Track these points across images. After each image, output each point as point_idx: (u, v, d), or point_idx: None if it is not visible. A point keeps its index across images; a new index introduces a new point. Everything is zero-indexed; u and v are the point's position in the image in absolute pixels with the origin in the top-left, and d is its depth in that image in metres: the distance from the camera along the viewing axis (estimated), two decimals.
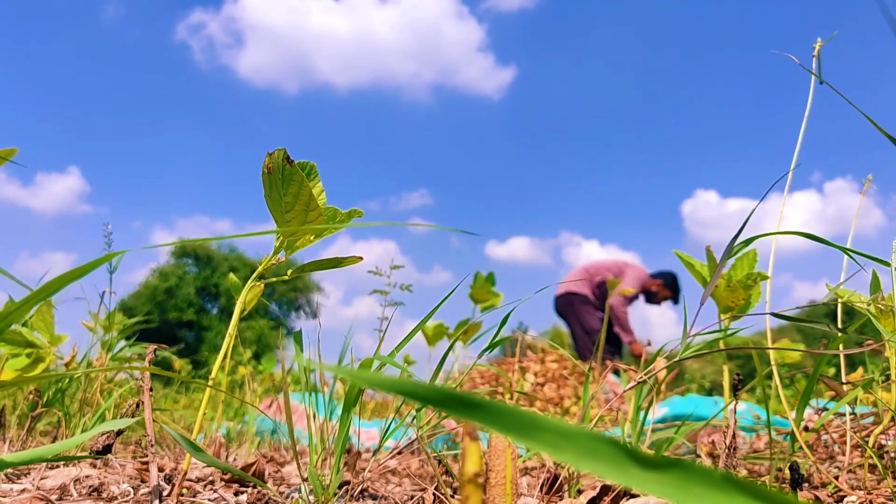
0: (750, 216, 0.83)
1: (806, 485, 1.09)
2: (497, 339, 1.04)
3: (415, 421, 1.04)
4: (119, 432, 0.84)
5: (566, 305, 5.54)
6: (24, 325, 1.54)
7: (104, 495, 1.00)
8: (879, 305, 0.96)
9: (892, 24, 0.58)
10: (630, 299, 5.38)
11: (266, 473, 1.18)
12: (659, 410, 2.10)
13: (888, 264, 0.89)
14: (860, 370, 1.76)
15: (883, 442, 1.23)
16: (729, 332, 1.13)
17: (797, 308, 0.92)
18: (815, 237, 0.83)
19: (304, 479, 1.00)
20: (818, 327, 0.86)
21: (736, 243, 0.84)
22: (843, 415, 1.29)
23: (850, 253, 0.87)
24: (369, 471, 1.06)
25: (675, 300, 5.56)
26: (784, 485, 1.02)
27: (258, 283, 0.98)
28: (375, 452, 1.05)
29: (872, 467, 1.14)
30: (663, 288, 5.42)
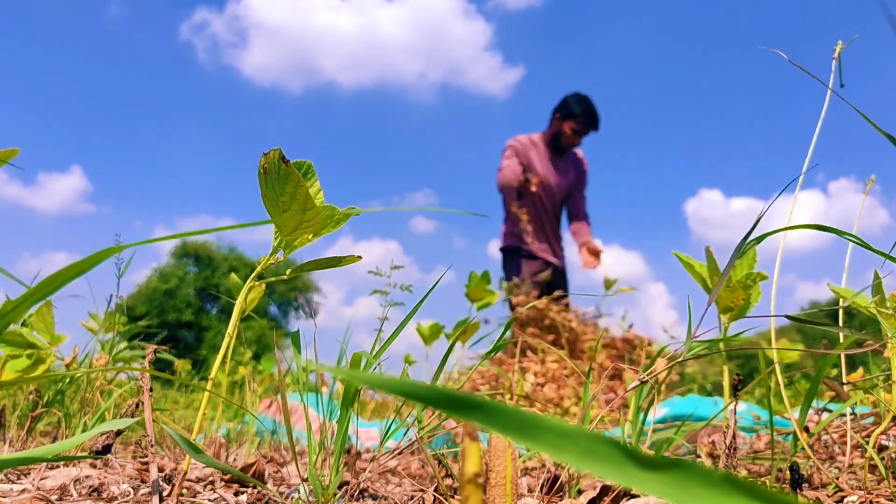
0: (761, 217, 0.83)
1: (806, 485, 1.09)
2: (501, 342, 1.04)
3: (415, 422, 1.04)
4: (119, 432, 0.84)
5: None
6: (24, 325, 1.54)
7: (104, 495, 1.00)
8: (884, 310, 0.96)
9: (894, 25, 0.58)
10: (510, 168, 3.99)
11: (266, 474, 1.18)
12: (659, 411, 2.10)
13: (893, 258, 0.89)
14: (860, 370, 1.76)
15: (883, 442, 1.23)
16: (730, 334, 1.12)
17: (802, 311, 0.92)
18: (828, 228, 0.83)
19: (304, 480, 1.00)
20: (832, 329, 0.86)
21: (747, 242, 0.84)
22: (844, 415, 1.29)
23: (871, 247, 0.87)
24: (369, 471, 1.06)
25: (587, 122, 4.07)
26: (784, 485, 1.02)
27: (258, 283, 0.98)
28: (375, 454, 1.05)
29: (873, 467, 1.14)
30: (562, 121, 4.04)
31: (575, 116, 4.06)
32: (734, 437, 0.85)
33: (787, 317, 0.91)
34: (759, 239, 0.85)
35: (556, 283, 4.25)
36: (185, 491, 1.02)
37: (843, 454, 1.23)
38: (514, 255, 4.26)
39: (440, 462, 0.99)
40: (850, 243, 1.18)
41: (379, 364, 0.98)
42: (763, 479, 1.13)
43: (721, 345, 1.13)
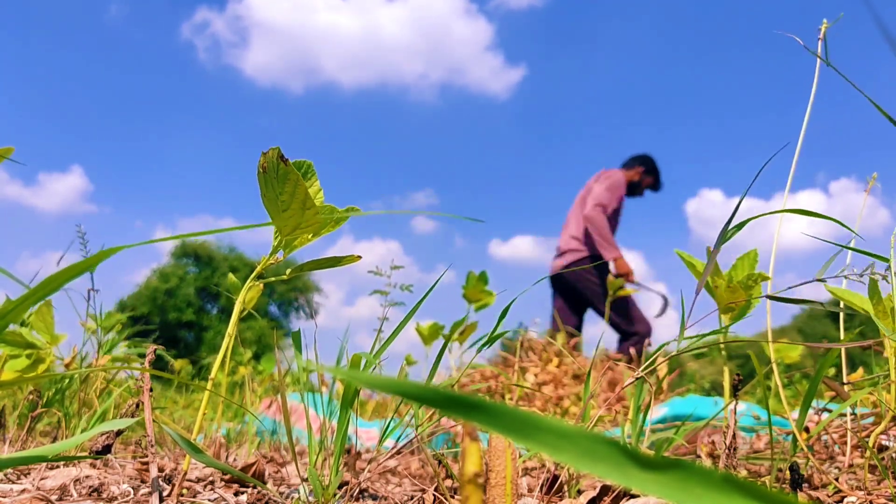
0: (739, 203, 0.83)
1: (806, 485, 1.09)
2: (494, 334, 1.04)
3: (414, 421, 1.04)
4: (119, 432, 0.84)
5: (567, 281, 4.72)
6: (24, 325, 1.54)
7: (104, 495, 1.00)
8: (881, 310, 0.96)
9: (887, 37, 0.58)
10: (611, 204, 4.66)
11: (266, 474, 1.18)
12: (659, 411, 2.10)
13: (887, 260, 0.89)
14: (860, 370, 1.76)
15: (883, 442, 1.23)
16: (726, 329, 1.12)
17: (798, 301, 0.92)
18: (809, 213, 0.83)
19: (304, 480, 1.00)
20: (813, 306, 0.86)
21: (728, 230, 0.84)
22: (844, 415, 1.29)
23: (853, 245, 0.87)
24: (369, 471, 1.06)
25: (658, 184, 5.04)
26: (784, 485, 1.02)
27: (257, 283, 0.98)
28: (375, 453, 1.05)
29: (873, 468, 1.14)
30: (644, 175, 4.90)
31: (655, 177, 4.97)
32: (734, 437, 0.85)
33: (768, 297, 0.91)
34: (739, 226, 0.85)
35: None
36: (185, 491, 1.02)
37: (843, 454, 1.23)
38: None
39: (440, 462, 0.99)
40: (852, 240, 1.18)
41: (379, 364, 0.98)
42: (763, 479, 1.13)
43: (722, 340, 1.13)
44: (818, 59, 1.13)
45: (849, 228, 0.86)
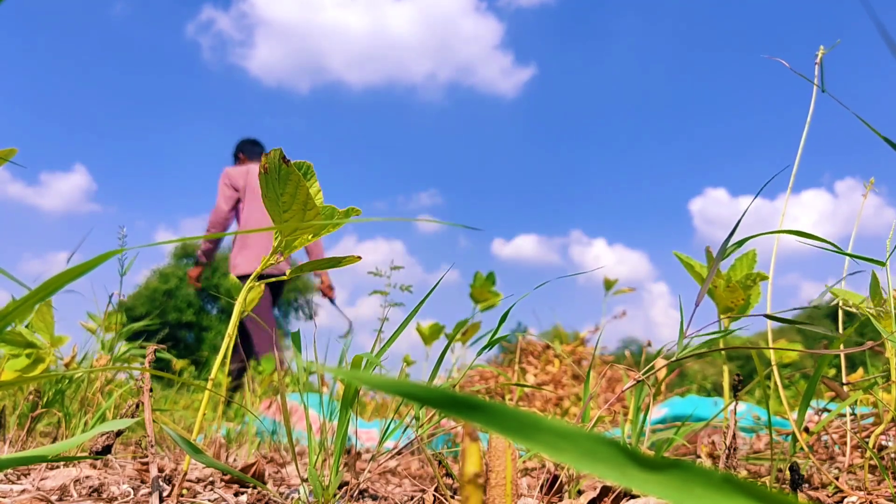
0: (742, 216, 0.83)
1: (806, 485, 1.09)
2: (496, 337, 1.04)
3: (414, 422, 1.04)
4: (119, 433, 0.84)
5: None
6: (27, 326, 1.54)
7: (104, 496, 1.00)
8: (876, 309, 0.96)
9: (887, 39, 0.58)
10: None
11: (266, 474, 1.18)
12: (659, 411, 2.10)
13: (882, 264, 0.89)
14: (860, 371, 1.76)
15: (883, 442, 1.23)
16: (728, 333, 1.12)
17: (796, 308, 0.92)
18: (803, 234, 0.83)
19: (304, 480, 1.00)
20: (816, 329, 0.86)
21: (731, 243, 0.84)
22: (844, 415, 1.29)
23: (849, 251, 0.87)
24: (369, 471, 1.06)
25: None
26: (784, 486, 1.02)
27: (258, 284, 0.98)
28: (374, 454, 1.05)
29: (873, 468, 1.14)
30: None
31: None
32: (734, 437, 0.85)
33: (768, 316, 0.91)
34: (741, 242, 0.86)
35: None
36: (185, 491, 1.02)
37: (843, 454, 1.23)
38: None
39: (440, 462, 0.99)
40: (853, 244, 1.18)
41: (380, 365, 0.98)
42: (763, 479, 1.13)
43: (721, 344, 1.13)
44: (816, 60, 1.13)
45: (834, 246, 0.86)
